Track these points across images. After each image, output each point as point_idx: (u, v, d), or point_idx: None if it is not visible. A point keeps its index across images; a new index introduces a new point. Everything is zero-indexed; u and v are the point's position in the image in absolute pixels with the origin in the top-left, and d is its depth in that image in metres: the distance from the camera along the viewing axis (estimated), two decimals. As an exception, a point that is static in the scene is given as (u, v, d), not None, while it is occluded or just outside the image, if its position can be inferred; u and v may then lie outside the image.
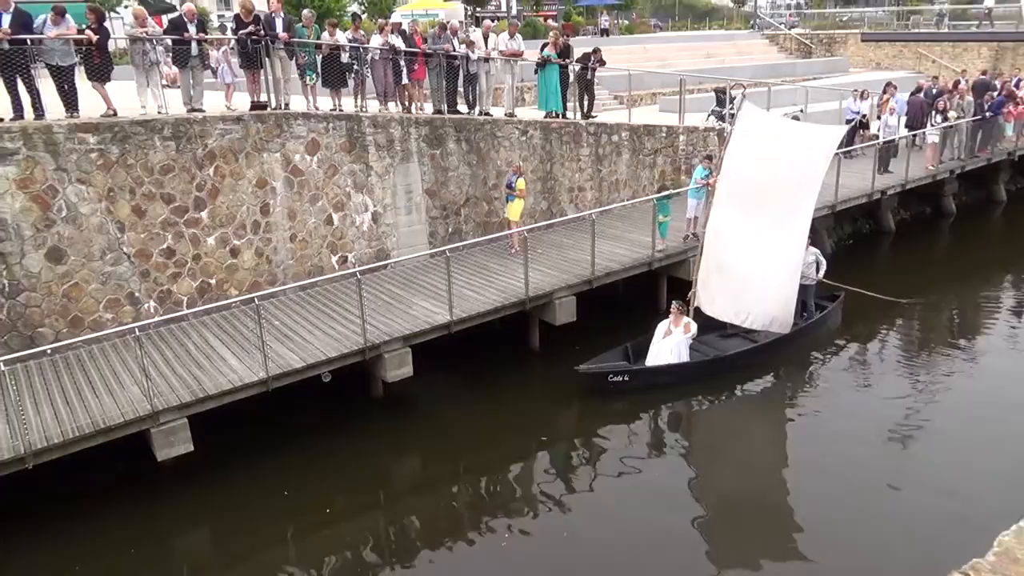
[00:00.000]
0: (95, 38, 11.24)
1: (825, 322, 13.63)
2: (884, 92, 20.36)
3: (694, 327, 11.85)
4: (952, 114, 19.46)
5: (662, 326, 11.99)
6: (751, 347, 12.56)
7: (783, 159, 11.68)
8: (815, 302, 13.62)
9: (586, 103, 17.33)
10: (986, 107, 20.03)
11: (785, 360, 12.69)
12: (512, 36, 16.32)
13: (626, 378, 11.62)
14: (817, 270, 13.30)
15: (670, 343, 11.80)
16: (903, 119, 20.43)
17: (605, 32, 39.94)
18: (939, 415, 10.96)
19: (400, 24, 16.55)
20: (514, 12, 46.41)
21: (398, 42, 14.47)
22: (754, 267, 11.96)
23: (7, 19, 10.51)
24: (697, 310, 12.45)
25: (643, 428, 11.15)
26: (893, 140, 19.17)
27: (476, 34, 16.50)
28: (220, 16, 50.13)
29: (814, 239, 17.49)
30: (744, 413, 11.82)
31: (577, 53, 17.31)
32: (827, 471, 9.65)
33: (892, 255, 18.73)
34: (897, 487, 9.25)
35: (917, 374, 12.36)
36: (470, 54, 15.04)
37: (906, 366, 12.70)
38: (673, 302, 12.04)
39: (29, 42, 10.68)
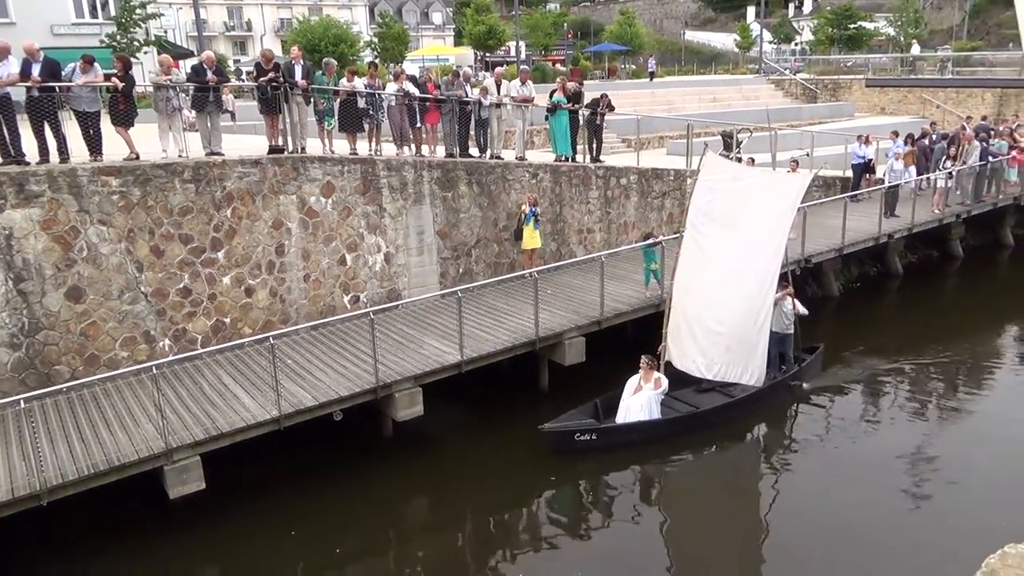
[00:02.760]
0: (122, 85, 11.63)
1: (804, 375, 13.19)
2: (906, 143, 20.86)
3: (665, 382, 11.40)
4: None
5: (632, 382, 11.48)
6: (726, 402, 12.06)
7: (749, 208, 11.51)
8: (794, 355, 13.17)
9: (595, 147, 17.65)
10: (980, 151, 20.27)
11: (762, 415, 12.24)
12: (524, 83, 16.75)
13: (593, 437, 11.11)
14: (798, 319, 12.91)
15: (640, 399, 11.28)
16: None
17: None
18: (925, 476, 10.42)
19: (413, 75, 16.99)
20: (523, 56, 47.36)
21: (411, 88, 14.87)
22: (723, 318, 11.61)
23: (37, 68, 10.92)
24: (668, 364, 12.05)
25: (614, 485, 10.69)
26: (898, 184, 19.39)
27: (488, 80, 16.92)
28: (236, 61, 51.31)
29: (821, 281, 17.76)
30: (719, 473, 11.26)
31: (587, 99, 17.70)
32: (804, 537, 9.24)
33: (898, 299, 18.78)
34: (878, 555, 8.75)
35: (902, 430, 11.82)
36: (482, 100, 15.42)
37: (890, 422, 12.14)
38: (643, 356, 11.46)
39: (57, 89, 11.08)
